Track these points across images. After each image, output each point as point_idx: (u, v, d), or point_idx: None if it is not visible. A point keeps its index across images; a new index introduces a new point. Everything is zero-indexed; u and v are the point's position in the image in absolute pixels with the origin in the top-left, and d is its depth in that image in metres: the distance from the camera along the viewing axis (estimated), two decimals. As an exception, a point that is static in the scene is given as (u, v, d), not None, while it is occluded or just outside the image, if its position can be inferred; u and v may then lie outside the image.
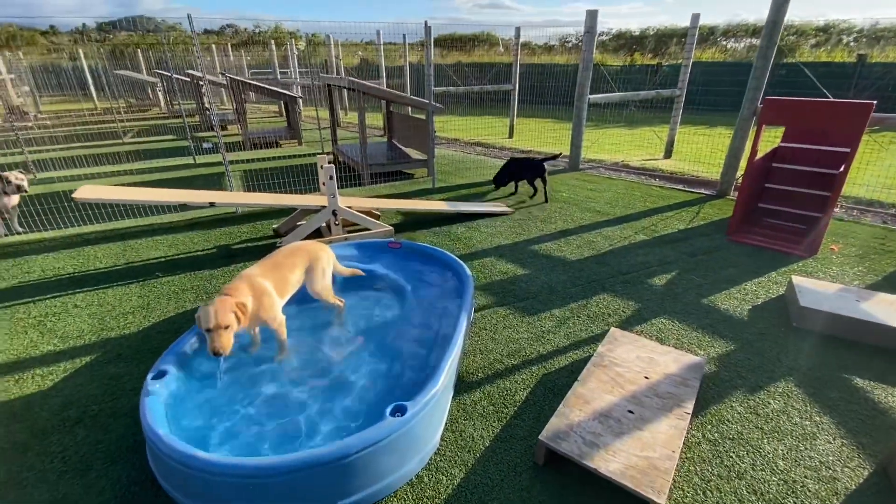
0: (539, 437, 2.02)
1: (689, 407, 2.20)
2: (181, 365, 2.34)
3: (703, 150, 8.35)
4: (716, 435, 2.22)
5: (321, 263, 2.86)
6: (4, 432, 2.28)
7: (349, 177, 6.93)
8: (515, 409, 2.40)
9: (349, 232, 4.69)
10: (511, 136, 10.87)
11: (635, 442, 1.99)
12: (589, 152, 8.61)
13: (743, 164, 5.45)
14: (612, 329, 2.86)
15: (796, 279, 3.40)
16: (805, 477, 2.01)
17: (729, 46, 22.24)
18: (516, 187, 6.40)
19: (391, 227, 4.74)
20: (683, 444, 2.13)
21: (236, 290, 2.33)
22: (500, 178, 6.08)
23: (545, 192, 5.87)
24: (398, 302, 3.23)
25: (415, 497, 1.92)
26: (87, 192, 3.70)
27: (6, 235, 4.81)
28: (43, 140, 11.05)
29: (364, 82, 6.89)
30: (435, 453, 2.12)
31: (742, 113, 5.60)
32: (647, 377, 2.40)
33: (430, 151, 6.79)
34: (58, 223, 5.09)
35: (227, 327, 2.16)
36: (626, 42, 25.05)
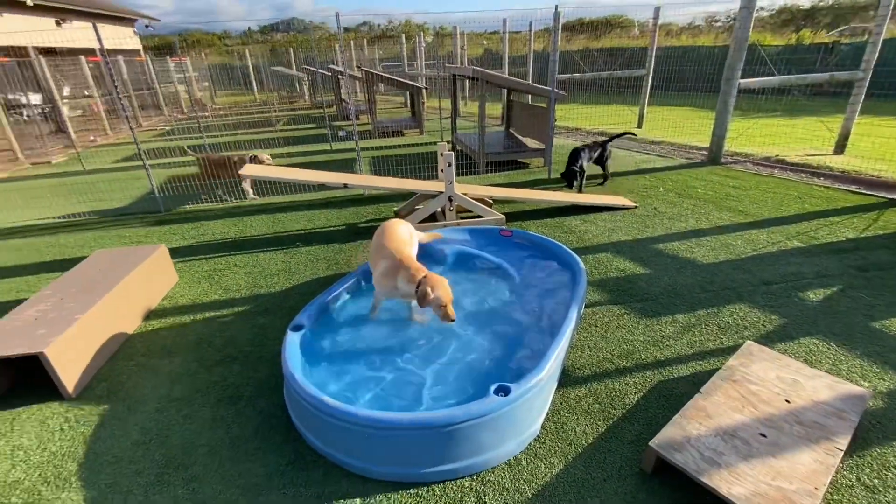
0: (649, 443, 1.89)
1: (843, 443, 1.87)
2: (315, 321, 2.67)
3: (890, 146, 6.83)
4: (876, 481, 1.86)
5: (414, 234, 3.13)
6: (182, 360, 2.83)
7: (465, 165, 7.08)
8: (624, 411, 2.27)
9: (462, 218, 4.82)
10: (640, 125, 10.07)
11: (766, 469, 1.76)
12: (735, 144, 7.60)
13: (950, 162, 4.34)
14: (748, 342, 2.54)
15: None
16: None
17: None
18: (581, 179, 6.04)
19: (503, 216, 4.76)
20: (830, 483, 1.82)
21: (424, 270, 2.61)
22: (570, 174, 5.68)
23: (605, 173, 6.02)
24: (507, 288, 3.25)
25: (512, 476, 1.95)
26: (250, 170, 4.35)
27: (253, 198, 6.09)
28: (216, 127, 13.21)
29: (487, 71, 6.95)
30: (535, 439, 2.12)
31: (956, 98, 4.43)
32: (788, 401, 2.08)
33: (549, 141, 6.61)
34: (226, 196, 6.09)
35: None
36: (792, 17, 21.40)
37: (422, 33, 17.66)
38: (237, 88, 24.34)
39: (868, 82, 6.60)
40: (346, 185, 4.63)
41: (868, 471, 1.91)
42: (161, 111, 17.14)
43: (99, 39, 5.05)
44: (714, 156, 6.85)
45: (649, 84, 9.87)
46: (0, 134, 10.40)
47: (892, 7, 6.24)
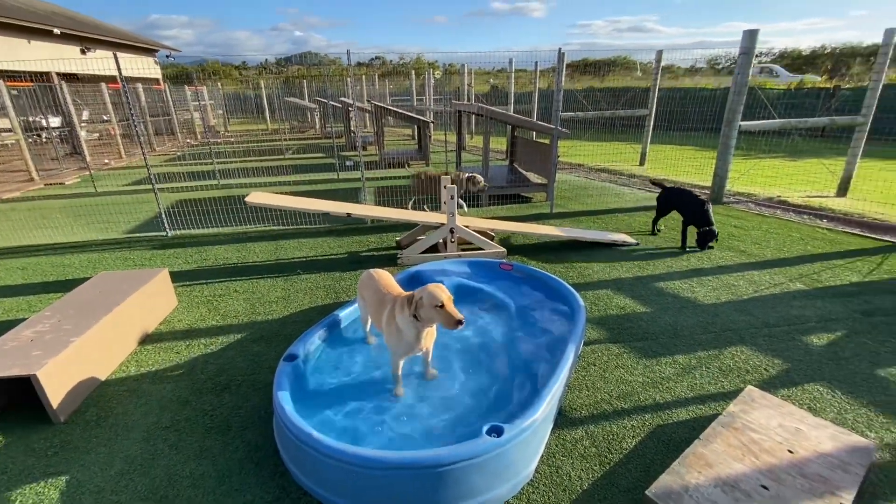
0: (646, 491, 1.83)
1: (848, 498, 1.79)
2: (309, 352, 2.64)
3: (893, 190, 6.87)
4: (887, 542, 1.77)
5: None
6: (174, 387, 2.79)
7: (469, 197, 7.15)
8: (621, 456, 2.20)
9: (463, 250, 4.83)
10: (642, 163, 10.21)
11: (769, 525, 1.68)
12: (736, 184, 7.66)
13: (952, 208, 4.34)
14: (749, 387, 2.48)
15: None
16: None
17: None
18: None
19: (504, 249, 4.77)
20: (837, 542, 1.74)
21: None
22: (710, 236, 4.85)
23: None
24: (504, 324, 3.22)
25: (503, 524, 1.87)
26: (256, 197, 4.42)
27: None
28: (227, 153, 13.52)
29: (491, 108, 7.13)
30: (528, 483, 2.05)
31: (955, 145, 4.49)
32: (790, 451, 2.02)
33: (551, 176, 6.70)
34: (231, 222, 6.18)
35: (450, 297, 2.23)
36: (792, 62, 21.99)
37: (431, 69, 18.24)
38: (250, 116, 25.06)
39: (869, 127, 6.70)
40: (349, 215, 4.68)
41: (876, 529, 1.82)
42: (175, 137, 17.61)
43: (118, 68, 5.26)
44: (716, 195, 6.89)
45: (651, 123, 10.07)
46: (17, 154, 10.69)
47: (889, 55, 6.41)
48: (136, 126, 5.68)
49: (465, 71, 14.76)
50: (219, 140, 17.16)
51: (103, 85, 14.01)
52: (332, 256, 4.95)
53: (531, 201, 7.26)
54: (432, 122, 11.80)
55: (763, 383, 2.71)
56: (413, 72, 18.93)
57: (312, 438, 1.87)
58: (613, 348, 3.10)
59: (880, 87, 6.54)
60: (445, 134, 10.70)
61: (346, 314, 3.09)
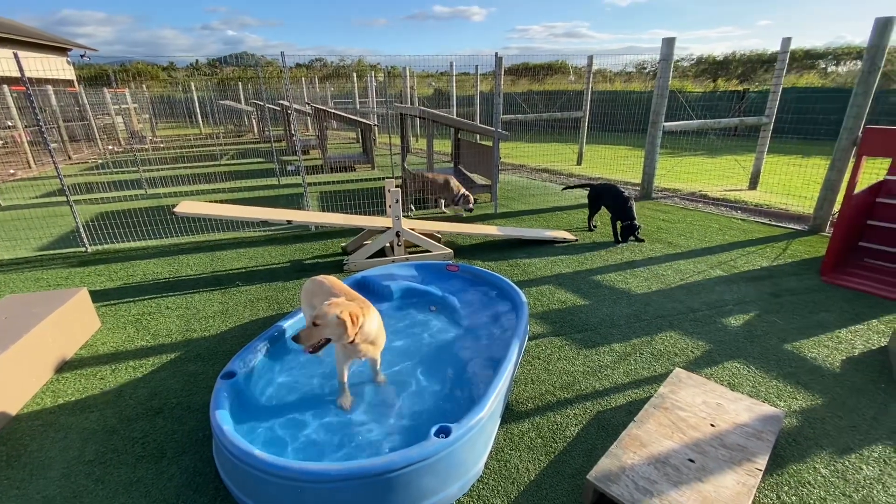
0: (587, 476, 1.92)
1: (762, 463, 1.98)
2: (248, 368, 2.53)
3: (794, 182, 7.65)
4: (793, 499, 1.97)
5: None
6: (98, 416, 2.58)
7: (415, 200, 7.16)
8: (565, 444, 2.30)
9: (410, 253, 4.83)
10: (580, 162, 10.69)
11: (695, 494, 1.83)
12: (663, 181, 8.22)
13: (841, 197, 4.92)
14: (677, 369, 2.67)
15: (905, 330, 2.97)
16: (909, 563, 1.72)
17: (829, 70, 20.44)
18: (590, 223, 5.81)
19: (451, 250, 4.83)
20: (752, 503, 1.92)
21: (362, 301, 2.35)
22: (631, 229, 5.17)
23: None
24: (451, 324, 3.26)
25: (454, 523, 1.90)
26: (185, 207, 4.17)
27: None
28: (155, 160, 12.65)
29: (433, 111, 7.19)
30: (478, 480, 2.09)
31: (839, 143, 5.09)
32: (713, 425, 2.20)
33: (494, 177, 6.86)
34: (161, 233, 5.79)
35: (316, 325, 2.16)
36: (708, 67, 23.89)
37: (373, 72, 18.07)
38: (181, 120, 23.58)
39: (772, 126, 7.43)
40: (289, 222, 4.54)
41: (786, 489, 2.03)
42: (94, 143, 16.21)
43: (20, 69, 4.78)
44: (646, 191, 7.36)
45: (586, 125, 10.57)
46: None
47: (787, 62, 7.14)
48: (44, 132, 5.18)
49: (407, 74, 14.76)
50: (145, 146, 16.00)
51: (5, 87, 12.63)
52: (274, 266, 4.77)
53: (477, 202, 7.37)
54: (376, 126, 11.68)
55: (689, 364, 2.93)
56: (354, 74, 18.65)
57: (254, 457, 1.80)
58: (556, 341, 3.23)
59: (780, 90, 7.28)
60: (390, 137, 10.64)
61: (289, 325, 2.99)
